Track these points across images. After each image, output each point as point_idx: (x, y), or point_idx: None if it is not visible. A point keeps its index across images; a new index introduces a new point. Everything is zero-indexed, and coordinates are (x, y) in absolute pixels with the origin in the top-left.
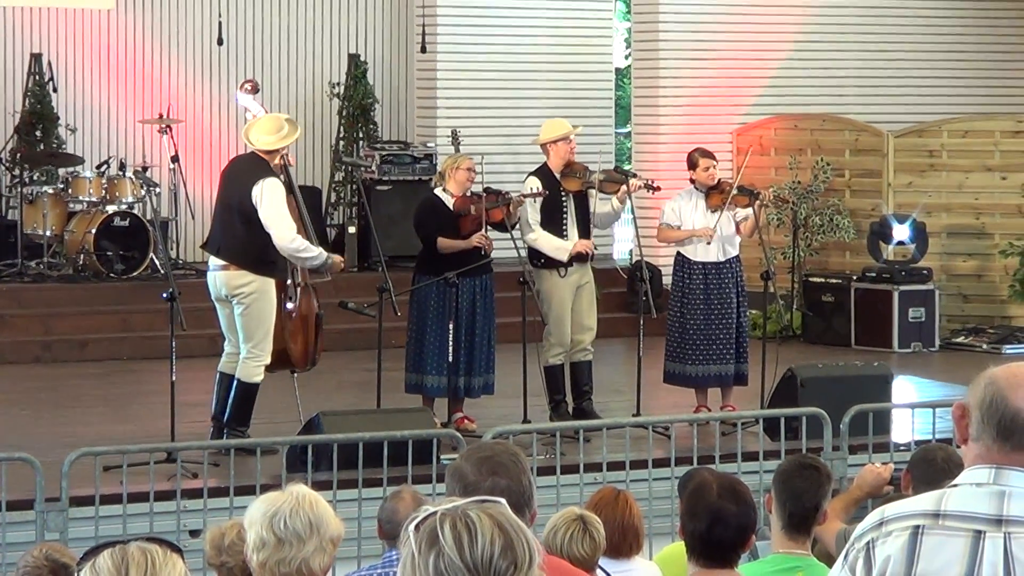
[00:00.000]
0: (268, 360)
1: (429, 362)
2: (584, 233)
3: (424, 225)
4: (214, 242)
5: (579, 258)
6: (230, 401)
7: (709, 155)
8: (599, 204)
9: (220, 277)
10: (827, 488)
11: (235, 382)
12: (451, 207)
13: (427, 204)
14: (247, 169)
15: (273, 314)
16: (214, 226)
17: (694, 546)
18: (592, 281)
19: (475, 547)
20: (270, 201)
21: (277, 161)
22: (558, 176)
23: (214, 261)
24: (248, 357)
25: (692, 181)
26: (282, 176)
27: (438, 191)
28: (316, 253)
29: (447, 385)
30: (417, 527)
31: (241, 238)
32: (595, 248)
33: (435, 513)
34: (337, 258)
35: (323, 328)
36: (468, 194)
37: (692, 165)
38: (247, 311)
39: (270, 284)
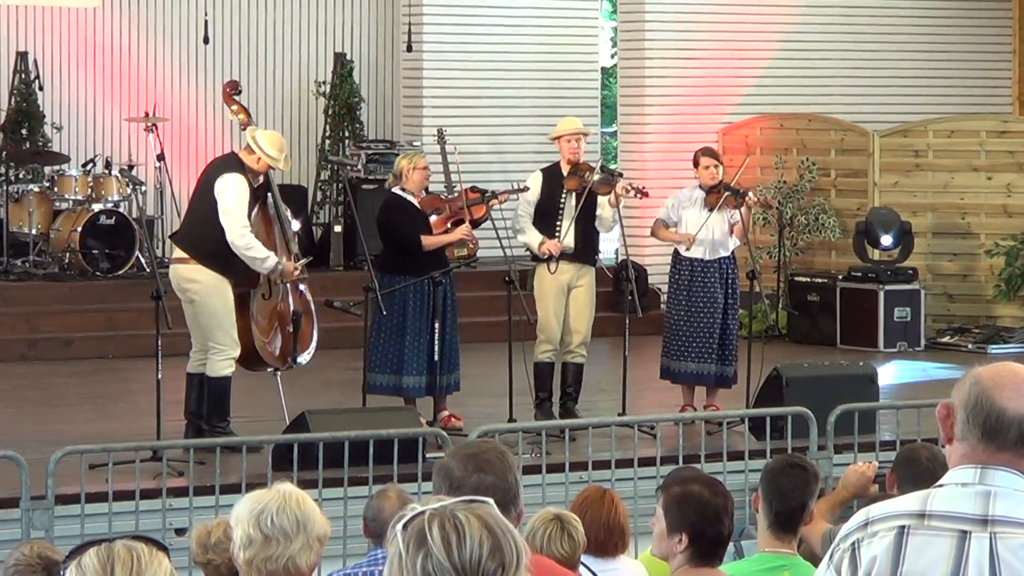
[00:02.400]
0: (235, 353)
1: (408, 362)
2: (581, 232)
3: (398, 225)
4: (177, 233)
5: (571, 257)
6: (206, 399)
7: (711, 154)
8: (602, 208)
9: (175, 271)
10: (814, 487)
11: (206, 379)
12: (417, 206)
13: (395, 204)
14: (219, 164)
15: (228, 308)
16: (182, 219)
17: (700, 548)
18: (590, 285)
19: (463, 548)
20: (230, 194)
21: (259, 168)
22: (564, 174)
23: (174, 254)
24: (213, 353)
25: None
26: (261, 178)
27: (396, 190)
28: (264, 256)
29: (426, 384)
30: (405, 526)
31: (199, 229)
32: (568, 246)
33: (423, 513)
34: (289, 265)
35: (311, 325)
36: (430, 193)
37: (695, 164)
38: (197, 307)
39: (221, 281)
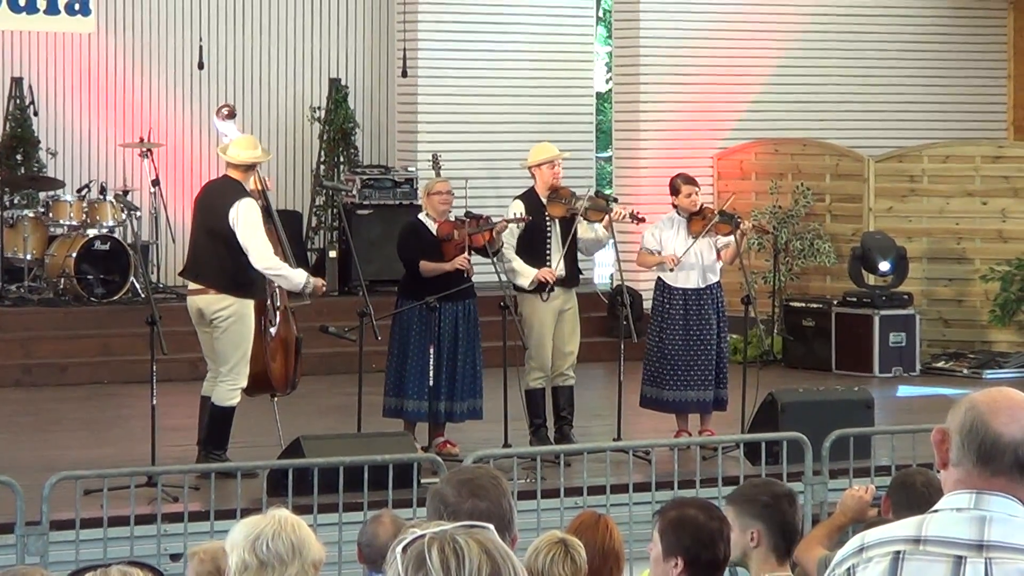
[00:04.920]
0: (244, 384)
1: (410, 387)
2: (569, 258)
3: (407, 249)
4: (192, 268)
5: (562, 282)
6: (206, 425)
7: (691, 181)
8: (584, 230)
9: (199, 301)
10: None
11: (210, 405)
12: (434, 231)
13: (409, 229)
14: (222, 192)
15: (250, 338)
16: (191, 252)
17: (696, 572)
18: (576, 307)
19: (462, 572)
20: (247, 222)
21: (253, 185)
22: (544, 200)
23: (193, 285)
24: (223, 380)
25: (675, 206)
26: (260, 200)
27: (422, 216)
28: (294, 274)
29: (427, 410)
30: (404, 550)
31: (219, 261)
32: (560, 273)
33: (423, 536)
34: (319, 281)
35: (302, 352)
36: (450, 219)
37: (674, 191)
38: (224, 334)
39: (248, 307)
